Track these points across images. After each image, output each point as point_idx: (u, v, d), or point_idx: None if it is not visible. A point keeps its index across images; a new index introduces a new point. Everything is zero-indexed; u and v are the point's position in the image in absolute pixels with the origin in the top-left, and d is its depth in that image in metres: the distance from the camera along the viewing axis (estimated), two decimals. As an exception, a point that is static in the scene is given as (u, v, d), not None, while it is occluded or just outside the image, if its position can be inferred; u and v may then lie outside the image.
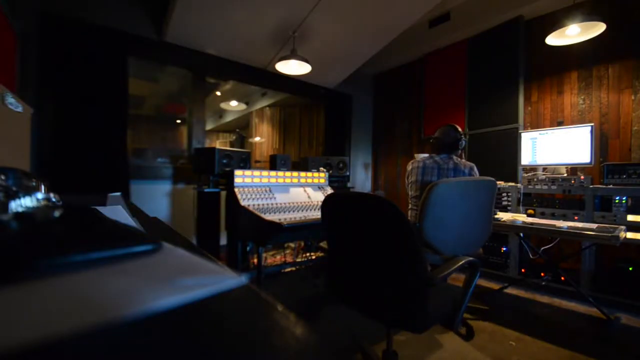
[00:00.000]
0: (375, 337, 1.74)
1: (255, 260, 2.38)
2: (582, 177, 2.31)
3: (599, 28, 2.15)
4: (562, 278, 2.31)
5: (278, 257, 2.78)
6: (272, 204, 2.13)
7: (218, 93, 5.16)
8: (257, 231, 1.94)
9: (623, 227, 1.85)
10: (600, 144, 2.60)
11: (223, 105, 5.54)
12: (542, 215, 2.46)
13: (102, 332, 0.18)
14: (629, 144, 2.47)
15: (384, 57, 3.95)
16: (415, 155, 3.72)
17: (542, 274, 2.50)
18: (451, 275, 1.11)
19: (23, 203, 0.41)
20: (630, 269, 2.11)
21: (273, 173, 2.35)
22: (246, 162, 2.68)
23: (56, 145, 2.32)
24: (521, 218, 2.27)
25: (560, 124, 2.85)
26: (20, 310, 0.19)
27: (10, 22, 1.94)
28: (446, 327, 1.69)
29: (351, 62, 3.64)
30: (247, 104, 5.60)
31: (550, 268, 2.43)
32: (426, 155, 2.17)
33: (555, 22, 2.30)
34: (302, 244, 2.89)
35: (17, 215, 0.39)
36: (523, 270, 2.61)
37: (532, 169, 2.74)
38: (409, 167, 2.08)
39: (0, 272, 0.22)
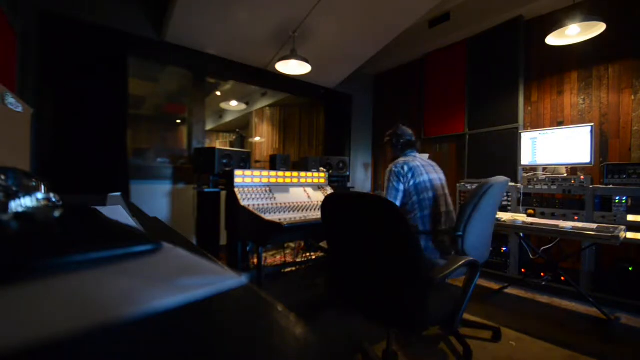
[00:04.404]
0: (375, 337, 1.74)
1: (255, 260, 2.38)
2: (582, 177, 2.31)
3: (599, 28, 2.15)
4: (562, 278, 2.31)
5: (278, 257, 2.78)
6: (272, 204, 2.13)
7: (218, 93, 5.16)
8: (257, 231, 1.94)
9: (623, 227, 1.85)
10: (600, 144, 2.60)
11: (223, 105, 5.54)
12: (542, 216, 2.46)
13: (102, 332, 0.18)
14: (629, 144, 2.47)
15: (384, 57, 3.95)
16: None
17: (542, 274, 2.50)
18: (451, 275, 1.11)
19: (23, 203, 0.41)
20: (630, 269, 2.11)
21: (273, 173, 2.34)
22: (246, 162, 2.68)
23: (56, 145, 2.32)
24: (521, 218, 2.27)
25: (560, 124, 2.85)
26: (20, 310, 0.19)
27: (10, 21, 1.94)
28: (446, 327, 1.69)
29: (351, 62, 3.64)
30: (247, 104, 5.60)
31: (550, 268, 2.43)
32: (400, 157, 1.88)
33: (555, 22, 2.30)
34: (302, 244, 2.89)
35: (17, 215, 0.39)
36: (523, 270, 2.61)
37: (532, 169, 2.74)
38: (406, 168, 1.72)
39: (0, 272, 0.22)
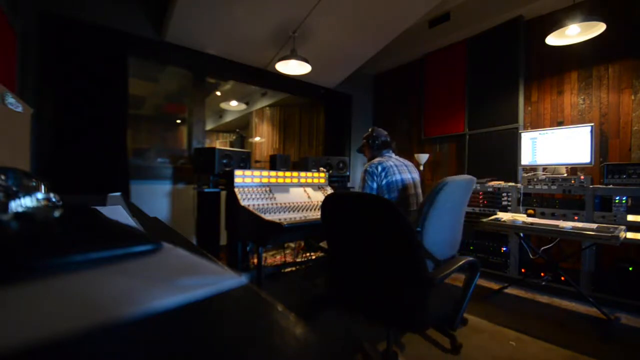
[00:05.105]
0: (375, 337, 1.74)
1: (255, 260, 2.38)
2: (582, 177, 2.31)
3: (599, 28, 2.15)
4: (562, 278, 2.31)
5: (278, 257, 2.78)
6: (272, 204, 2.13)
7: (218, 93, 5.16)
8: (257, 231, 1.94)
9: (623, 227, 1.85)
10: (600, 144, 2.60)
11: (223, 105, 5.54)
12: (542, 215, 2.46)
13: (102, 332, 0.18)
14: (629, 144, 2.47)
15: (384, 57, 3.95)
16: (416, 155, 3.73)
17: (542, 274, 2.50)
18: (451, 275, 1.11)
19: (23, 203, 0.41)
20: (630, 269, 2.11)
21: (273, 173, 2.34)
22: (246, 162, 2.68)
23: (56, 145, 2.32)
24: (521, 218, 2.27)
25: (560, 124, 2.85)
26: (20, 310, 0.19)
27: (10, 21, 1.94)
28: (446, 327, 1.69)
29: (351, 62, 3.64)
30: (247, 104, 5.61)
31: (550, 268, 2.43)
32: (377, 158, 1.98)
33: (555, 22, 2.30)
34: (302, 244, 2.88)
35: (17, 215, 0.39)
36: (523, 270, 2.61)
37: (532, 169, 2.74)
38: (379, 168, 1.84)
39: (0, 272, 0.22)
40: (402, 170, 1.88)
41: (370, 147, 2.03)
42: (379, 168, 1.84)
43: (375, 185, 1.84)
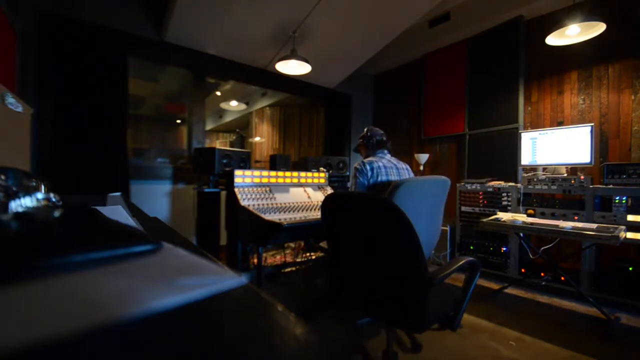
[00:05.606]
0: (375, 337, 1.74)
1: (255, 260, 2.38)
2: (582, 177, 2.31)
3: (599, 28, 2.15)
4: (562, 278, 2.31)
5: (278, 257, 2.78)
6: (272, 204, 2.13)
7: (218, 93, 5.16)
8: (257, 231, 1.94)
9: (623, 227, 1.85)
10: (600, 144, 2.60)
11: (223, 105, 5.54)
12: (542, 215, 2.46)
13: (103, 332, 0.18)
14: (629, 144, 2.47)
15: (384, 57, 3.95)
16: (416, 155, 3.73)
17: (542, 274, 2.50)
18: (451, 275, 1.11)
19: (23, 203, 0.41)
20: (630, 269, 2.11)
21: (273, 173, 2.34)
22: (246, 162, 2.68)
23: (56, 145, 2.32)
24: (521, 218, 2.27)
25: (560, 124, 2.85)
26: (20, 310, 0.19)
27: (10, 21, 1.94)
28: (446, 327, 1.69)
29: (351, 62, 3.64)
30: (247, 104, 5.61)
31: (550, 268, 2.43)
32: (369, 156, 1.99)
33: (555, 22, 2.30)
34: (302, 244, 2.88)
35: (17, 215, 0.39)
36: (523, 270, 2.61)
37: (532, 169, 2.74)
38: (368, 167, 1.87)
39: (0, 272, 0.22)
40: (390, 172, 1.89)
41: (366, 146, 2.04)
42: (367, 167, 1.87)
43: (366, 182, 1.87)
